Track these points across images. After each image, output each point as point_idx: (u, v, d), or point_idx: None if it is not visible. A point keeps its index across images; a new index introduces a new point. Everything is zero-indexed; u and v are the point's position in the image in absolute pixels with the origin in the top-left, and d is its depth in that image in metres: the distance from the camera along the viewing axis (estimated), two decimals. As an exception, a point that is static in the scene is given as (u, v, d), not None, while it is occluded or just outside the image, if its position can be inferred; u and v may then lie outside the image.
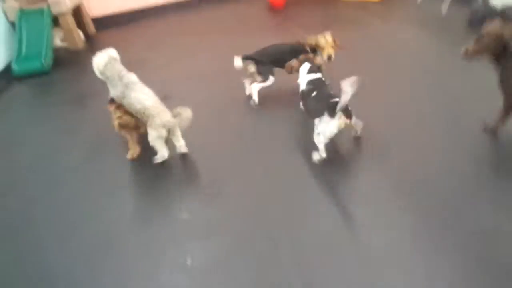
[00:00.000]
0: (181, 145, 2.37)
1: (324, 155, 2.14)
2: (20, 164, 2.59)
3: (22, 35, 4.05)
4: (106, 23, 5.10)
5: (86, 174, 2.40)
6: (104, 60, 2.21)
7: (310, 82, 2.30)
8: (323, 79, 2.32)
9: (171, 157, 2.35)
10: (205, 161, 2.34)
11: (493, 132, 2.13)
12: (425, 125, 2.34)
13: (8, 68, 3.94)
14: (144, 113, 2.21)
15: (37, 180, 2.39)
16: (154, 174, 2.29)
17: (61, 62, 4.14)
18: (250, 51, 2.74)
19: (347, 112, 2.03)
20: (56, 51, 4.30)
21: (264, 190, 2.05)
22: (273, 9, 4.80)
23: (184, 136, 2.36)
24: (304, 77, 2.36)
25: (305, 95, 2.28)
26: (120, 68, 2.24)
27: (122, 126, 2.31)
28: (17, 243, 1.96)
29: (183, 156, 2.39)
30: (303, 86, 2.34)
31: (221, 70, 3.33)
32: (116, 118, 2.29)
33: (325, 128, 2.05)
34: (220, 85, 3.18)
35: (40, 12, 4.10)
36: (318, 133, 2.11)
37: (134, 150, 2.42)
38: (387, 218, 1.77)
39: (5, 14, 4.11)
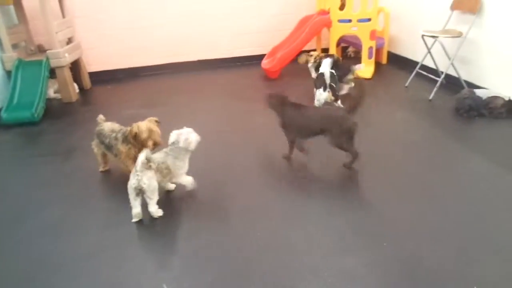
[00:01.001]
0: (151, 211, 2.29)
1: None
2: (-2, 216, 2.48)
3: (16, 84, 4.08)
4: (102, 77, 5.18)
5: (65, 231, 2.30)
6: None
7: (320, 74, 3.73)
8: (334, 73, 3.71)
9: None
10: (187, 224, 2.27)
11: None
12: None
13: (-4, 115, 3.90)
14: None
15: (14, 234, 2.28)
16: (132, 232, 2.23)
17: (52, 113, 4.14)
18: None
19: (333, 93, 3.60)
20: (49, 101, 4.31)
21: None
22: (268, 78, 4.96)
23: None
24: (324, 67, 3.79)
25: (318, 76, 3.76)
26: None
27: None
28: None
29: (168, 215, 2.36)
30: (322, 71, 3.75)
31: (212, 131, 3.42)
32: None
33: (319, 96, 3.62)
34: (210, 146, 3.16)
35: (39, 63, 4.16)
36: (315, 100, 3.68)
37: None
38: None
39: (2, 63, 4.15)
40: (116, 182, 2.78)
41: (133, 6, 5.12)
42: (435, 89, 3.97)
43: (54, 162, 3.14)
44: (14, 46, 4.27)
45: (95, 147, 2.83)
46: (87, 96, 4.76)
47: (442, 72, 4.10)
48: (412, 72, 4.40)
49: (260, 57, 5.31)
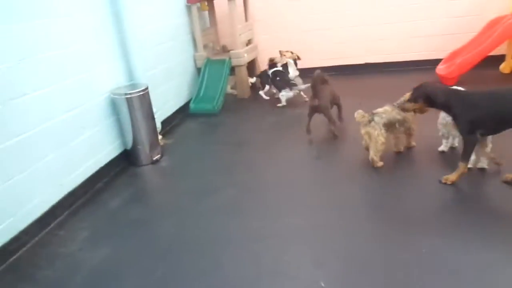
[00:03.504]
0: None
1: None
2: (177, 194, 2.91)
3: (203, 79, 4.70)
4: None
5: (234, 213, 2.56)
6: None
7: None
8: None
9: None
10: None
11: None
12: None
13: (186, 105, 4.58)
14: None
15: (195, 210, 2.64)
16: (294, 225, 2.30)
17: (228, 107, 4.64)
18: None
19: None
20: (226, 96, 4.83)
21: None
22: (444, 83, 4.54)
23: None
24: None
25: None
26: None
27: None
28: (158, 272, 2.12)
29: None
30: None
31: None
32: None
33: None
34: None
35: (222, 62, 4.70)
36: None
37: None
38: None
39: (194, 61, 4.83)
40: (273, 174, 2.98)
41: (306, 11, 5.34)
42: None
43: (228, 150, 3.54)
44: (204, 47, 4.92)
45: (382, 136, 2.87)
46: (257, 94, 5.16)
47: None
48: None
49: (432, 62, 4.91)
